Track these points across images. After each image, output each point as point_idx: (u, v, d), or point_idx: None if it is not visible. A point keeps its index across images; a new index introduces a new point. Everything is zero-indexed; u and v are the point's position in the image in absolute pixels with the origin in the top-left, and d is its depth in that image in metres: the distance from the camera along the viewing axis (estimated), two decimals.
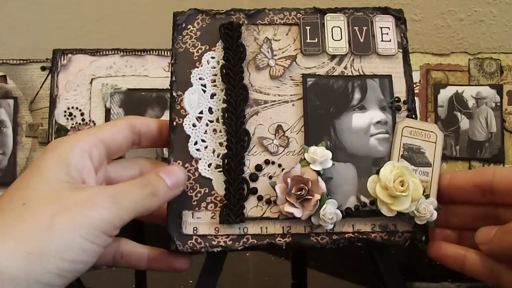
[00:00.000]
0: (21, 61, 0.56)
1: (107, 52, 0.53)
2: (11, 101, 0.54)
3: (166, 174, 0.33)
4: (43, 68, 0.55)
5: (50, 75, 0.52)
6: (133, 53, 0.53)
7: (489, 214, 0.34)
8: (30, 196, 0.28)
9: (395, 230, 0.35)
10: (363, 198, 0.35)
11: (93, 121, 0.52)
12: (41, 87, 0.54)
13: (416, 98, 0.52)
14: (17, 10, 0.75)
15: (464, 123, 0.51)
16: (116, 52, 0.53)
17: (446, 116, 0.52)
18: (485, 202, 0.34)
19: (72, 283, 0.47)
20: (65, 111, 0.52)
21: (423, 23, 0.67)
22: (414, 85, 0.52)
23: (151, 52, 0.54)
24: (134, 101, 0.54)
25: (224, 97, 0.37)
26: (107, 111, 0.52)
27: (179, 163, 0.36)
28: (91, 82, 0.52)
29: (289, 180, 0.34)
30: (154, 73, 0.53)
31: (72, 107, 0.52)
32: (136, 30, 0.80)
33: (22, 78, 0.55)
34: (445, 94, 0.52)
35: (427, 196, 0.34)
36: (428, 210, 0.33)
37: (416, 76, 0.53)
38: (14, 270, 0.25)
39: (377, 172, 0.35)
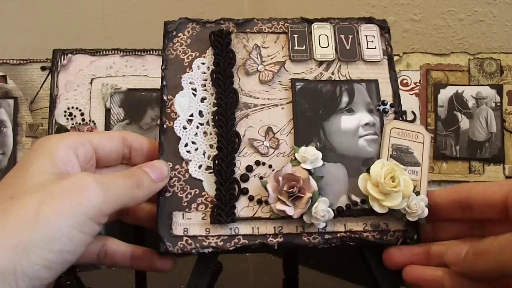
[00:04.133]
0: (21, 61, 0.55)
1: (107, 52, 0.53)
2: (11, 101, 0.54)
3: (150, 168, 0.33)
4: (43, 68, 0.55)
5: (50, 75, 0.52)
6: (133, 53, 0.53)
7: (475, 227, 0.34)
8: (17, 190, 0.27)
9: (386, 229, 0.35)
10: (354, 197, 0.36)
11: (93, 121, 0.51)
12: (41, 87, 0.54)
13: (416, 98, 0.53)
14: (17, 10, 0.74)
15: (464, 123, 0.51)
16: (116, 52, 0.53)
17: (446, 116, 0.52)
18: (465, 218, 0.34)
19: (72, 283, 0.45)
20: (65, 111, 0.51)
21: (423, 23, 0.67)
22: (414, 85, 0.53)
23: (151, 52, 0.54)
24: (134, 101, 0.54)
25: (215, 100, 0.38)
26: (107, 111, 0.52)
27: (169, 165, 0.36)
28: (91, 82, 0.52)
29: (280, 178, 0.34)
30: (154, 73, 0.53)
31: (72, 107, 0.52)
32: (136, 30, 0.79)
33: (22, 78, 0.55)
34: (445, 94, 0.52)
35: (417, 193, 0.35)
36: (419, 206, 0.34)
37: (416, 76, 0.53)
38: (0, 264, 0.24)
39: (367, 171, 0.35)
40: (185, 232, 0.34)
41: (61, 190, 0.28)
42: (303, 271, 0.48)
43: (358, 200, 0.35)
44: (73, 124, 0.50)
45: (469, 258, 0.29)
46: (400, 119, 0.39)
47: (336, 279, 0.48)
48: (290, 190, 0.33)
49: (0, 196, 0.28)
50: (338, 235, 0.35)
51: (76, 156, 0.31)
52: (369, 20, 0.42)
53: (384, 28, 0.42)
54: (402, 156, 0.37)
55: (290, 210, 0.34)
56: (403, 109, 0.39)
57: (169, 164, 0.36)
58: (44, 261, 0.26)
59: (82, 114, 0.51)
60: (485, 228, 0.33)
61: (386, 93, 0.40)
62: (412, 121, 0.51)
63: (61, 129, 0.49)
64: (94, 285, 0.47)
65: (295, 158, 0.35)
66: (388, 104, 0.39)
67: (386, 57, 0.41)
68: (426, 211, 0.34)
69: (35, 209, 0.26)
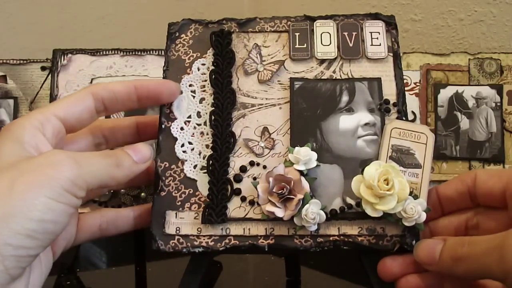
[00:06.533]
0: (21, 61, 0.56)
1: (107, 52, 0.53)
2: (11, 101, 0.54)
3: (132, 150, 0.33)
4: (43, 68, 0.55)
5: (50, 75, 0.52)
6: (133, 53, 0.53)
7: (469, 225, 0.33)
8: None
9: (383, 233, 0.34)
10: (349, 200, 0.35)
11: None
12: (41, 87, 0.54)
13: (416, 98, 0.52)
14: (17, 10, 0.75)
15: (464, 123, 0.50)
16: (116, 52, 0.53)
17: (446, 116, 0.51)
18: (474, 206, 0.33)
19: (72, 283, 0.47)
20: None
21: (423, 23, 0.66)
22: (414, 85, 0.52)
23: (151, 52, 0.53)
24: None
25: (213, 101, 0.38)
26: None
27: (165, 164, 0.36)
28: (91, 82, 0.52)
29: (271, 179, 0.34)
30: (154, 73, 0.52)
31: None
32: (136, 30, 0.79)
33: (22, 78, 0.55)
34: (445, 94, 0.52)
35: (415, 197, 0.33)
36: (416, 210, 0.32)
37: (416, 76, 0.53)
38: None
39: (362, 172, 0.34)
40: (177, 231, 0.35)
41: (33, 166, 0.27)
42: (303, 271, 0.48)
43: (353, 202, 0.34)
44: None
45: (447, 261, 0.29)
46: (403, 118, 0.37)
47: (336, 279, 0.48)
48: (280, 191, 0.33)
49: None
50: (331, 238, 0.34)
51: (43, 135, 0.31)
52: (375, 16, 0.41)
53: (390, 24, 0.40)
54: (402, 157, 0.35)
55: (280, 212, 0.33)
56: None
57: (165, 164, 0.36)
58: (26, 230, 0.26)
59: None
60: (479, 226, 0.33)
61: (389, 91, 0.38)
62: (412, 121, 0.50)
63: None
64: (94, 285, 0.49)
65: (289, 159, 0.35)
66: (391, 103, 0.38)
67: (391, 54, 0.39)
68: (424, 216, 0.32)
69: (9, 184, 0.26)
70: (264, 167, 0.36)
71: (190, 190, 0.36)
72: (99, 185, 0.31)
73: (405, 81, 0.43)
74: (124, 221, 0.36)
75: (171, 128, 0.37)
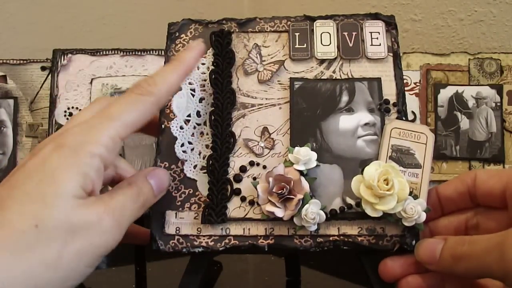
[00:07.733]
0: (21, 61, 0.56)
1: (107, 52, 0.53)
2: (11, 101, 0.54)
3: (152, 177, 0.33)
4: (43, 68, 0.56)
5: (50, 75, 0.52)
6: (133, 53, 0.53)
7: (469, 225, 0.33)
8: (44, 216, 0.26)
9: (383, 234, 0.34)
10: (349, 200, 0.35)
11: None
12: (41, 87, 0.55)
13: (416, 98, 0.52)
14: (17, 10, 0.76)
15: (464, 123, 0.51)
16: (116, 52, 0.53)
17: (446, 116, 0.51)
18: (474, 206, 0.34)
19: None
20: (65, 111, 0.51)
21: (423, 23, 0.67)
22: (414, 85, 0.52)
23: (151, 52, 0.54)
24: None
25: (212, 101, 0.38)
26: None
27: (165, 164, 0.36)
28: (91, 82, 0.52)
29: (271, 179, 0.34)
30: None
31: (72, 107, 0.52)
32: (136, 30, 0.79)
33: (22, 78, 0.56)
34: (445, 94, 0.52)
35: (415, 197, 0.33)
36: (416, 210, 0.32)
37: (416, 76, 0.53)
38: None
39: (362, 172, 0.34)
40: (177, 231, 0.35)
41: (85, 230, 0.27)
42: (303, 271, 0.48)
43: (353, 202, 0.34)
44: None
45: (447, 260, 0.29)
46: (403, 118, 0.37)
47: (336, 279, 0.48)
48: (280, 191, 0.33)
49: (23, 213, 0.26)
50: (331, 238, 0.34)
51: (104, 165, 0.29)
52: (375, 16, 0.41)
53: (390, 24, 0.40)
54: (402, 157, 0.35)
55: (279, 212, 0.33)
56: None
57: (165, 164, 0.36)
58: None
59: None
60: (479, 225, 0.33)
61: (389, 91, 0.38)
62: (412, 121, 0.50)
63: None
64: (94, 285, 0.49)
65: (289, 159, 0.35)
66: (391, 103, 0.38)
67: (391, 54, 0.39)
68: (424, 216, 0.32)
69: (58, 252, 0.26)
70: (264, 167, 0.36)
71: (190, 190, 0.36)
72: None
73: (405, 81, 0.43)
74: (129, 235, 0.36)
75: (171, 127, 0.37)
